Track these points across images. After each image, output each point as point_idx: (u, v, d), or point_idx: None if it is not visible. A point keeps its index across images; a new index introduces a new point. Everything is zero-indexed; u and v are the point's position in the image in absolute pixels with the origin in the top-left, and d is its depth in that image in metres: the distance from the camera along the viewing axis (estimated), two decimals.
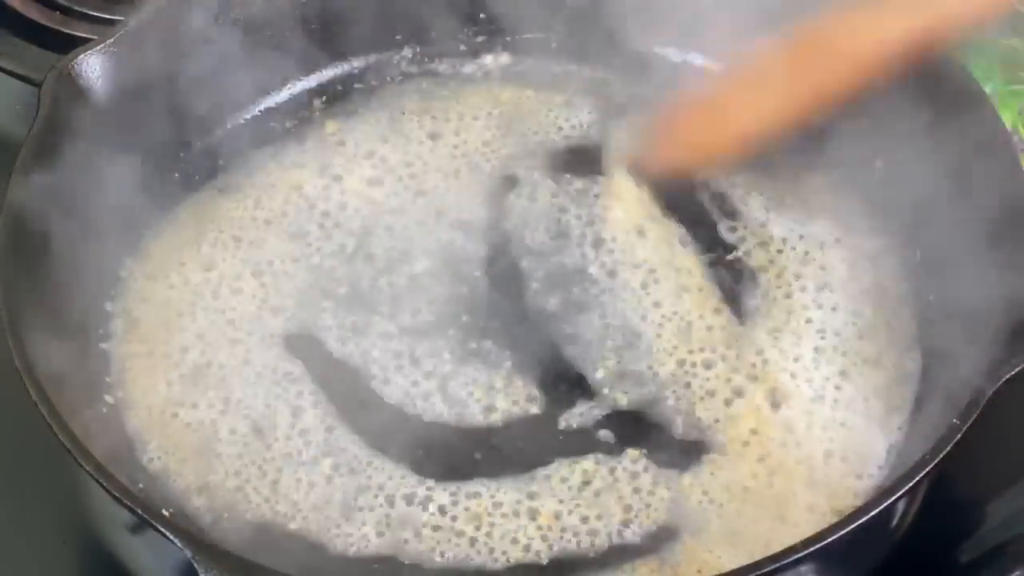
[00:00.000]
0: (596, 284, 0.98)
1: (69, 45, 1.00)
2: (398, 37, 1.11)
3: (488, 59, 1.11)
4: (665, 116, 1.04)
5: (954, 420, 0.78)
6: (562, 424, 0.91)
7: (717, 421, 0.90)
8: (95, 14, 1.17)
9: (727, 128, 1.00)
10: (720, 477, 0.88)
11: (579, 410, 0.92)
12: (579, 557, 0.85)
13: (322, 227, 1.01)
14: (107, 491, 0.78)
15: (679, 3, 1.07)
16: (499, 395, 0.92)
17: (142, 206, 1.00)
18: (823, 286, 0.97)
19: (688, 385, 0.92)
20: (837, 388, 0.92)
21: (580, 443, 0.90)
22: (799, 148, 1.03)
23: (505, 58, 1.11)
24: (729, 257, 0.99)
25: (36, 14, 1.17)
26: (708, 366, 0.93)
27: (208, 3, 1.02)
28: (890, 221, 0.99)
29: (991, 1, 0.93)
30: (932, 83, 0.94)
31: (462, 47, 1.12)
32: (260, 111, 1.08)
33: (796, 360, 0.93)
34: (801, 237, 0.99)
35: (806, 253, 0.98)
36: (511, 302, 0.97)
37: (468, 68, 1.11)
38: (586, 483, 0.88)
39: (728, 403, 0.91)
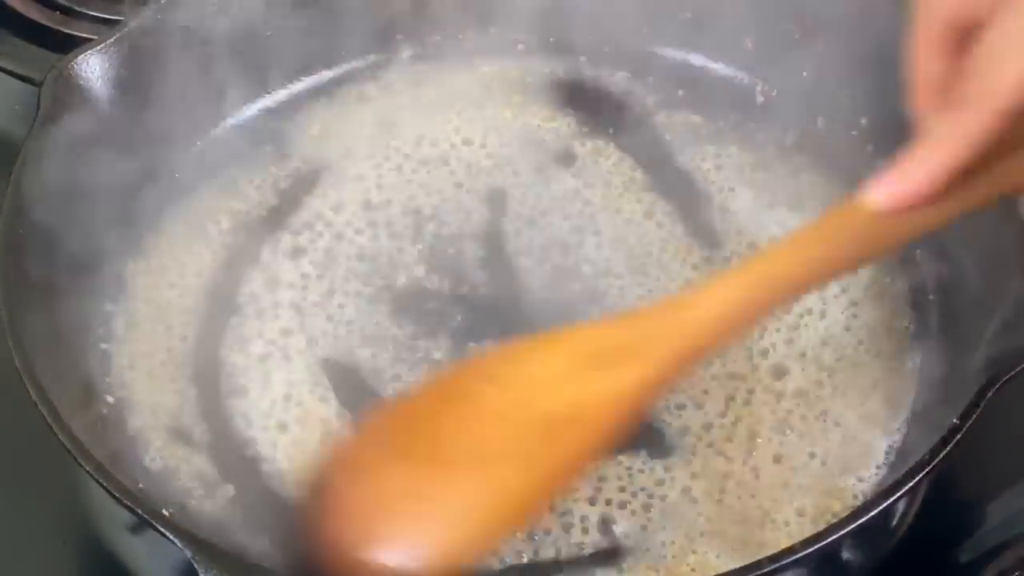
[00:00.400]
0: (595, 283, 0.98)
1: (69, 45, 1.00)
2: (399, 37, 1.11)
3: (488, 60, 1.11)
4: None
5: (954, 420, 0.78)
6: None
7: (712, 420, 0.90)
8: (95, 14, 1.17)
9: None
10: (716, 476, 0.88)
11: None
12: (568, 557, 0.85)
13: (322, 227, 1.01)
14: (107, 491, 0.78)
15: (679, 3, 1.07)
16: None
17: (143, 206, 1.00)
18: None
19: (687, 385, 0.92)
20: (835, 387, 0.92)
21: None
22: (794, 144, 1.04)
23: (505, 58, 1.11)
24: (724, 254, 0.99)
25: (36, 14, 1.17)
26: (703, 364, 0.93)
27: (208, 3, 1.02)
28: None
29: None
30: None
31: (462, 48, 1.12)
32: (260, 111, 1.08)
33: (793, 358, 0.93)
34: (796, 220, 0.99)
35: None
36: (510, 302, 0.97)
37: (467, 69, 1.11)
38: (582, 481, 0.88)
39: (723, 402, 0.91)
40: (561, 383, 0.78)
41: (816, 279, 0.80)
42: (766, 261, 0.80)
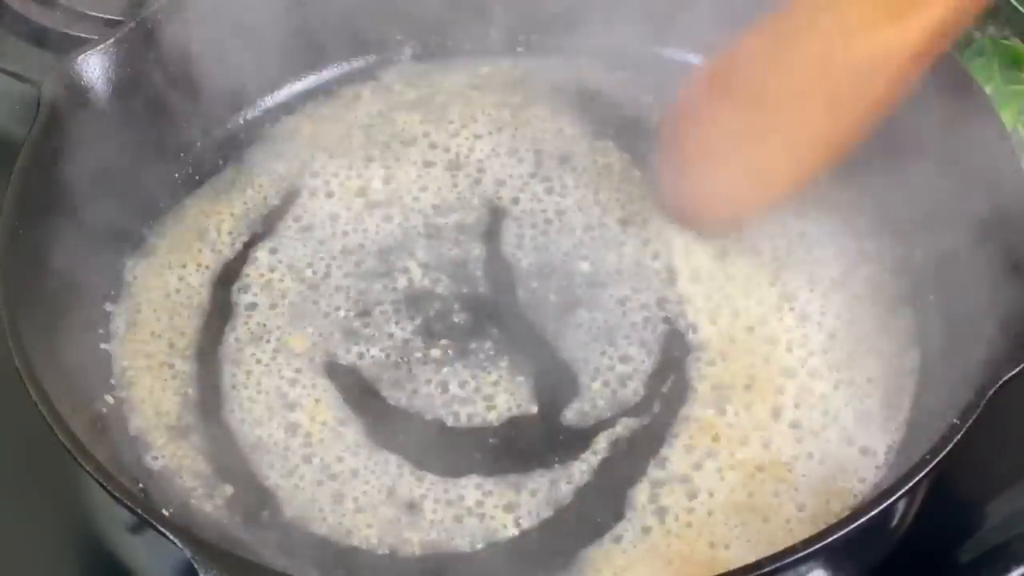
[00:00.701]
0: (594, 283, 0.98)
1: (69, 45, 1.00)
2: (398, 37, 1.11)
3: (487, 61, 1.11)
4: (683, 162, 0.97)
5: (954, 420, 0.78)
6: (559, 423, 0.91)
7: (714, 420, 0.90)
8: (95, 14, 1.17)
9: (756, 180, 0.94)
10: (716, 476, 0.88)
11: (576, 409, 0.92)
12: (577, 554, 0.85)
13: (322, 227, 1.01)
14: (107, 491, 0.78)
15: (679, 3, 1.07)
16: (498, 395, 0.92)
17: (143, 206, 1.00)
18: (821, 284, 0.96)
19: (685, 385, 0.92)
20: (836, 387, 0.92)
21: (576, 441, 0.90)
22: None
23: (505, 58, 1.11)
24: (728, 253, 0.99)
25: (36, 14, 1.17)
26: (705, 364, 0.93)
27: (208, 3, 1.02)
28: (889, 220, 0.99)
29: None
30: (932, 82, 0.94)
31: (461, 48, 1.12)
32: (260, 111, 1.08)
33: (794, 358, 0.93)
34: (800, 235, 0.99)
35: (804, 251, 0.98)
36: (509, 302, 0.97)
37: (467, 70, 1.11)
38: (582, 480, 0.88)
39: (725, 402, 0.91)
40: (863, 31, 0.86)
41: None
42: None
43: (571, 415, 0.92)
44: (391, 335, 0.95)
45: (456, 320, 0.96)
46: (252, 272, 0.99)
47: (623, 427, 0.90)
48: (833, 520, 0.83)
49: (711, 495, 0.87)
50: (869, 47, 0.86)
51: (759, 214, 0.97)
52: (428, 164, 1.05)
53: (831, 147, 0.91)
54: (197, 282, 0.99)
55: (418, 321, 0.96)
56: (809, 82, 0.89)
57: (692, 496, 0.87)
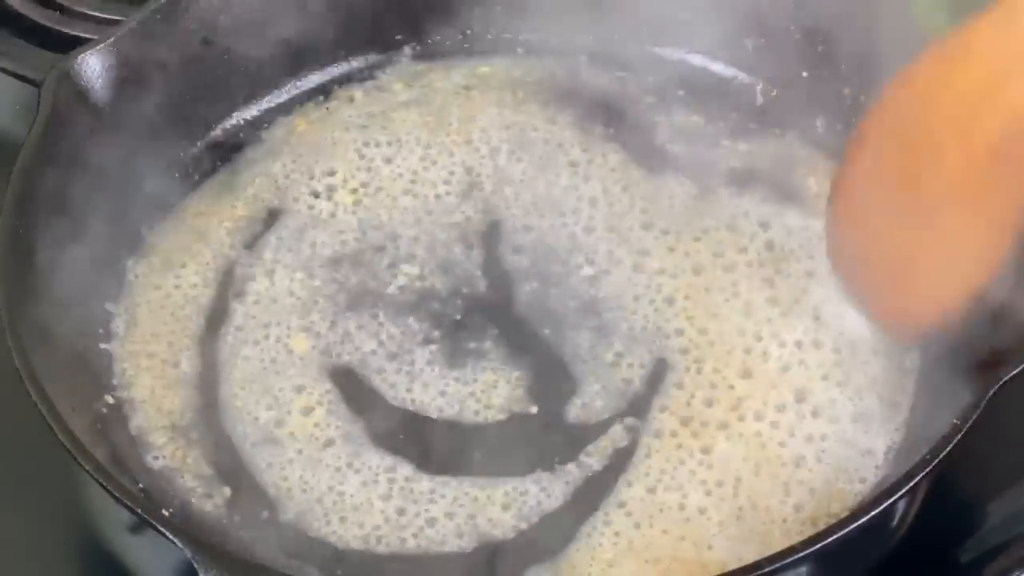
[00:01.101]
0: (593, 283, 0.98)
1: (69, 45, 1.00)
2: (398, 37, 1.11)
3: (486, 61, 1.11)
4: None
5: (954, 420, 0.78)
6: (557, 422, 0.91)
7: (713, 419, 0.90)
8: (95, 14, 1.17)
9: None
10: (716, 476, 0.88)
11: (574, 409, 0.92)
12: (570, 552, 0.85)
13: (322, 227, 1.01)
14: (107, 491, 0.78)
15: (679, 3, 1.07)
16: (497, 395, 0.92)
17: (143, 205, 1.00)
18: (820, 282, 0.96)
19: (683, 384, 0.92)
20: (836, 386, 0.91)
21: (575, 440, 0.90)
22: (794, 144, 1.04)
23: (505, 58, 1.11)
24: (727, 253, 0.99)
25: (36, 14, 1.17)
26: (704, 362, 0.93)
27: (208, 3, 1.02)
28: None
29: None
30: None
31: (461, 48, 1.12)
32: (259, 110, 1.08)
33: (794, 359, 0.93)
34: (801, 230, 0.99)
35: (803, 249, 0.98)
36: (508, 301, 0.97)
37: (466, 70, 1.11)
38: (580, 479, 0.88)
39: (723, 401, 0.91)
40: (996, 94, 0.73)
41: None
42: None
43: (569, 415, 0.92)
44: (391, 335, 0.95)
45: (455, 320, 0.96)
46: (252, 272, 0.99)
47: (621, 427, 0.90)
48: (832, 520, 0.83)
49: (708, 495, 0.87)
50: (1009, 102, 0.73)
51: (952, 313, 0.81)
52: (427, 164, 1.05)
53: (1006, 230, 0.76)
54: (197, 282, 0.99)
55: (417, 321, 0.96)
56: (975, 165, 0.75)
57: (689, 495, 0.87)
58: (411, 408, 0.92)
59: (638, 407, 0.91)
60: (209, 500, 0.88)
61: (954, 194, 0.76)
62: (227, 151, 1.06)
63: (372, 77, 1.10)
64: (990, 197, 0.75)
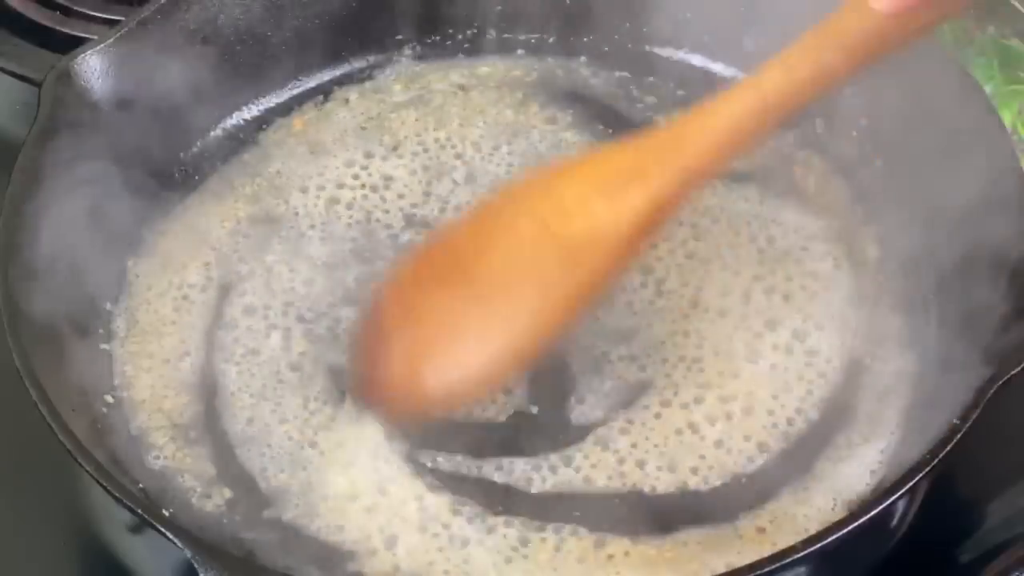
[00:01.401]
0: None
1: (69, 45, 1.00)
2: (398, 37, 1.11)
3: (486, 61, 1.11)
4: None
5: (954, 420, 0.78)
6: (558, 422, 0.91)
7: (711, 420, 0.90)
8: (95, 14, 1.17)
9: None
10: (717, 476, 0.88)
11: (575, 408, 0.91)
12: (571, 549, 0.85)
13: (322, 226, 1.01)
14: (107, 491, 0.78)
15: (679, 3, 1.07)
16: (497, 394, 0.92)
17: (143, 205, 1.00)
18: (819, 281, 0.96)
19: (681, 383, 0.92)
20: (835, 387, 0.91)
21: (576, 440, 0.90)
22: (794, 144, 1.04)
23: (505, 58, 1.11)
24: (726, 252, 0.99)
25: (36, 14, 1.17)
26: (702, 361, 0.93)
27: (208, 3, 1.02)
28: (888, 219, 0.99)
29: None
30: (932, 82, 0.94)
31: (460, 48, 1.12)
32: (259, 110, 1.08)
33: (792, 358, 0.93)
34: (799, 229, 0.99)
35: (802, 248, 0.98)
36: None
37: (465, 71, 1.11)
38: (580, 478, 0.88)
39: (723, 401, 0.91)
40: (576, 209, 0.82)
41: (820, 86, 0.80)
42: (774, 68, 0.81)
43: (570, 414, 0.91)
44: None
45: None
46: (252, 272, 0.99)
47: (622, 426, 0.90)
48: (832, 521, 0.83)
49: (706, 492, 0.87)
50: (582, 224, 0.82)
51: (470, 397, 0.88)
52: (427, 164, 1.05)
53: (548, 324, 0.85)
54: (197, 282, 0.99)
55: None
56: (522, 263, 0.84)
57: (682, 494, 0.87)
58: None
59: (640, 407, 0.91)
60: (209, 500, 0.88)
61: (500, 300, 0.84)
62: (227, 151, 1.06)
63: (371, 77, 1.10)
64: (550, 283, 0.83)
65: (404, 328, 0.87)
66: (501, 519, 0.86)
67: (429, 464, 0.89)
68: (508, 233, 0.85)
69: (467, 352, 0.85)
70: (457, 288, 0.85)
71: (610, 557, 0.85)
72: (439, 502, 0.87)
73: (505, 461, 0.89)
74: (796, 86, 0.80)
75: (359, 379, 0.89)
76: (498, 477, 0.88)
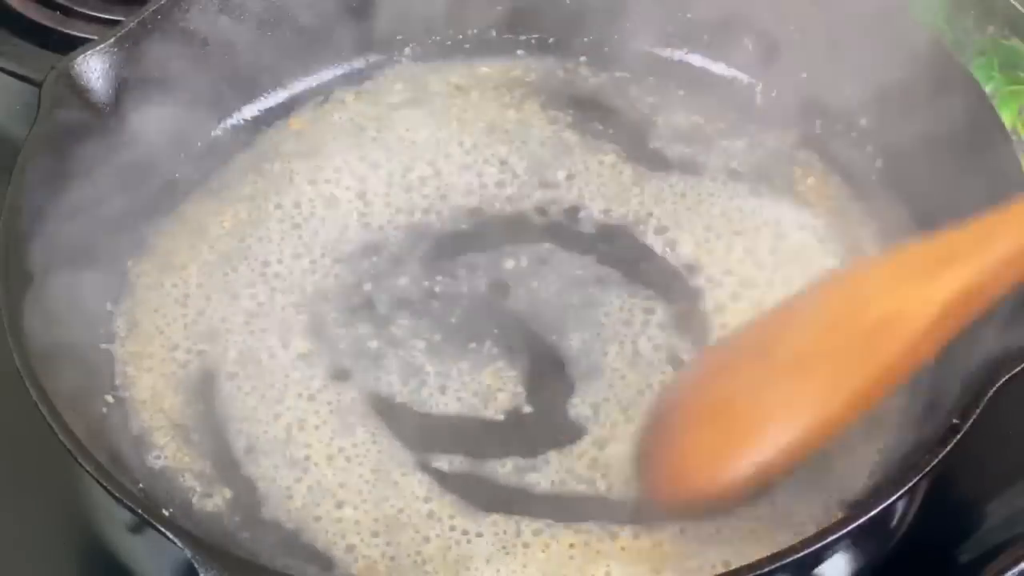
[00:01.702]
0: (591, 283, 0.98)
1: (69, 45, 1.00)
2: (398, 37, 1.11)
3: (486, 61, 1.11)
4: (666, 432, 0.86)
5: (954, 420, 0.78)
6: (558, 421, 0.91)
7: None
8: (95, 14, 1.17)
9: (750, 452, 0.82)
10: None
11: (574, 407, 0.91)
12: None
13: (322, 226, 1.01)
14: (107, 491, 0.78)
15: (679, 3, 1.07)
16: (497, 394, 0.92)
17: (144, 206, 1.00)
18: (818, 280, 0.96)
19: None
20: None
21: (575, 439, 0.90)
22: (795, 145, 1.04)
23: (505, 58, 1.11)
24: (725, 254, 0.99)
25: (36, 14, 1.17)
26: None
27: (208, 3, 1.03)
28: (889, 221, 0.99)
29: None
30: (932, 82, 0.94)
31: (461, 49, 1.12)
32: (259, 111, 1.08)
33: None
34: (799, 229, 0.99)
35: (802, 247, 0.98)
36: (507, 301, 0.97)
37: (466, 71, 1.11)
38: (579, 477, 0.88)
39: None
40: (885, 293, 0.80)
41: None
42: None
43: (570, 413, 0.91)
44: (390, 334, 0.95)
45: (454, 320, 0.96)
46: (253, 271, 0.99)
47: (623, 425, 0.90)
48: (831, 521, 0.83)
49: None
50: (889, 307, 0.80)
51: (759, 489, 0.85)
52: (426, 164, 1.05)
53: (845, 407, 0.81)
54: (198, 282, 0.99)
55: (418, 321, 0.96)
56: (825, 343, 0.82)
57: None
58: (412, 408, 0.92)
59: (639, 406, 0.91)
60: (209, 500, 0.88)
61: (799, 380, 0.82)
62: (227, 151, 1.06)
63: (371, 77, 1.10)
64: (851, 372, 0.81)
65: (710, 411, 0.85)
66: (499, 517, 0.86)
67: (429, 464, 0.89)
68: (817, 318, 0.83)
69: (770, 436, 0.82)
70: (759, 371, 0.83)
71: (607, 553, 0.85)
72: (438, 502, 0.87)
73: (504, 461, 0.89)
74: None
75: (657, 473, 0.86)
76: (498, 477, 0.88)
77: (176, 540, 0.74)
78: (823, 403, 0.80)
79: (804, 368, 0.81)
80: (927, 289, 0.78)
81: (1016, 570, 0.86)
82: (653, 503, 0.85)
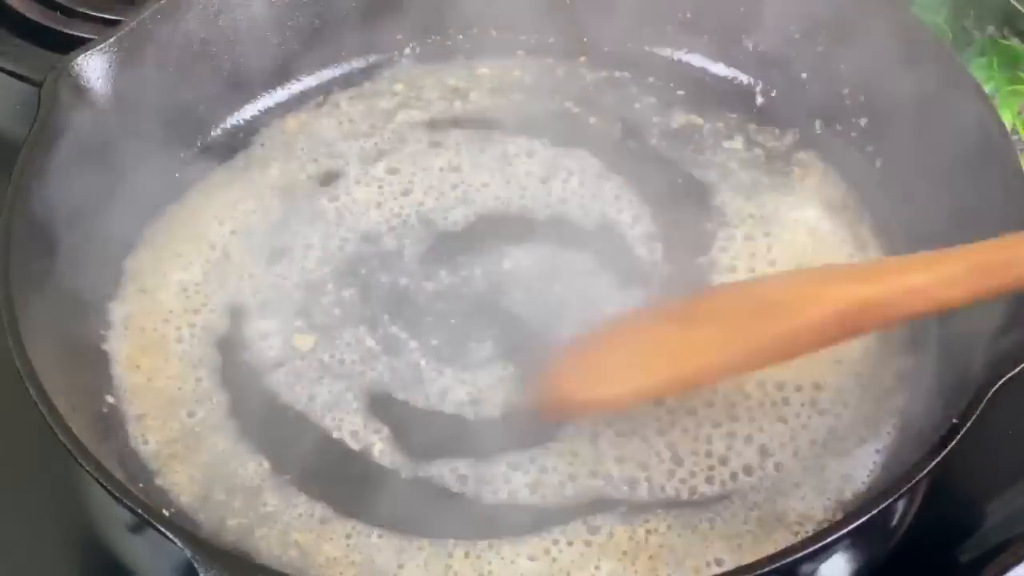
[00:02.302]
0: (590, 283, 0.98)
1: (69, 45, 1.00)
2: (398, 37, 1.11)
3: (486, 61, 1.11)
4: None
5: (954, 420, 0.78)
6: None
7: (710, 419, 0.90)
8: (95, 14, 1.17)
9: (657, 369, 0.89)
10: (711, 475, 0.88)
11: None
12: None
13: (321, 227, 1.01)
14: (107, 491, 0.78)
15: (679, 3, 1.07)
16: (497, 394, 0.92)
17: (142, 205, 1.00)
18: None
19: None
20: (835, 386, 0.91)
21: (575, 438, 0.90)
22: (794, 144, 1.04)
23: (505, 58, 1.11)
24: (722, 255, 0.99)
25: (36, 14, 1.17)
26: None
27: (208, 3, 1.03)
28: (889, 221, 0.99)
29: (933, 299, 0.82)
30: (932, 82, 0.95)
31: (461, 49, 1.12)
32: (258, 110, 1.08)
33: (790, 362, 0.93)
34: (799, 228, 0.99)
35: (802, 249, 0.98)
36: (507, 301, 0.97)
37: (466, 71, 1.11)
38: (579, 476, 0.88)
39: (718, 398, 0.91)
40: (789, 288, 0.87)
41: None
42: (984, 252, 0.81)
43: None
44: (391, 333, 0.95)
45: (455, 321, 0.96)
46: (253, 271, 0.99)
47: (621, 425, 0.90)
48: (831, 521, 0.83)
49: (703, 494, 0.87)
50: (783, 296, 0.86)
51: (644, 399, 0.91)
52: (427, 164, 1.05)
53: (720, 363, 0.88)
54: (198, 281, 0.99)
55: (419, 321, 0.96)
56: (723, 309, 0.89)
57: (683, 494, 0.87)
58: (412, 408, 0.92)
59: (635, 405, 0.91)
60: (209, 500, 0.88)
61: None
62: (226, 150, 1.06)
63: (372, 78, 1.11)
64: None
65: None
66: (495, 513, 0.86)
67: (427, 462, 0.89)
68: (730, 293, 0.92)
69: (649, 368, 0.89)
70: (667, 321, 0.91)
71: (601, 550, 0.85)
72: (436, 500, 0.87)
73: (501, 459, 0.89)
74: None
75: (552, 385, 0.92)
76: (495, 475, 0.88)
77: (176, 540, 0.74)
78: (702, 354, 0.87)
79: (696, 322, 0.88)
80: (824, 292, 0.84)
81: (1017, 570, 0.87)
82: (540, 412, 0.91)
